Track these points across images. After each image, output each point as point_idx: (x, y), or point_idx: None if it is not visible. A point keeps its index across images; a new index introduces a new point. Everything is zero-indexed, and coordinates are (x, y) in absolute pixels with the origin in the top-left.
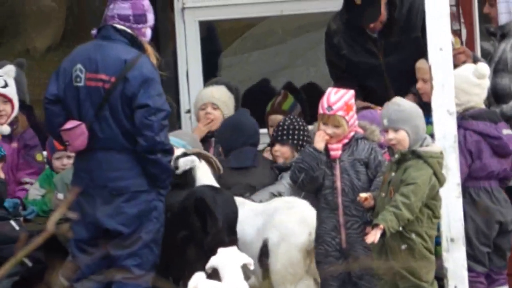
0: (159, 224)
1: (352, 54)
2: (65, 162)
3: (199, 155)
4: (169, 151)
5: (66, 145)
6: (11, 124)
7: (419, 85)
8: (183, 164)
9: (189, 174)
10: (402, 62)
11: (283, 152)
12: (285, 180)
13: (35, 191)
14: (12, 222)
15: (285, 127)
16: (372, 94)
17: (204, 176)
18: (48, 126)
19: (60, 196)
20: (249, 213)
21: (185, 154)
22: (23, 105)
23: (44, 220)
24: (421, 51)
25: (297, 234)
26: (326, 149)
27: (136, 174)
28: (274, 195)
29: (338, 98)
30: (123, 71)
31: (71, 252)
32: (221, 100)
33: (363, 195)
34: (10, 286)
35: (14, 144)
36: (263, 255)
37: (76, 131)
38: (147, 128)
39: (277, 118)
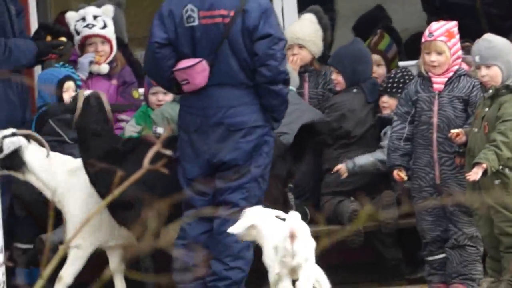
0: (268, 159)
1: None
2: (160, 98)
3: (29, 137)
4: (289, 81)
5: (181, 85)
6: (110, 63)
7: None
8: (7, 145)
9: (17, 156)
10: (500, 4)
11: (391, 104)
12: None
13: (131, 128)
14: None
15: (396, 79)
16: (468, 35)
17: (34, 158)
18: (158, 70)
19: (160, 130)
20: None
21: (13, 134)
22: (121, 43)
23: None
24: None
25: None
26: (429, 81)
27: (253, 109)
28: (376, 164)
29: (439, 26)
30: (241, 4)
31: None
32: (306, 39)
33: (454, 131)
34: None
35: (114, 82)
36: None
37: (197, 68)
38: (271, 58)
39: (373, 58)
